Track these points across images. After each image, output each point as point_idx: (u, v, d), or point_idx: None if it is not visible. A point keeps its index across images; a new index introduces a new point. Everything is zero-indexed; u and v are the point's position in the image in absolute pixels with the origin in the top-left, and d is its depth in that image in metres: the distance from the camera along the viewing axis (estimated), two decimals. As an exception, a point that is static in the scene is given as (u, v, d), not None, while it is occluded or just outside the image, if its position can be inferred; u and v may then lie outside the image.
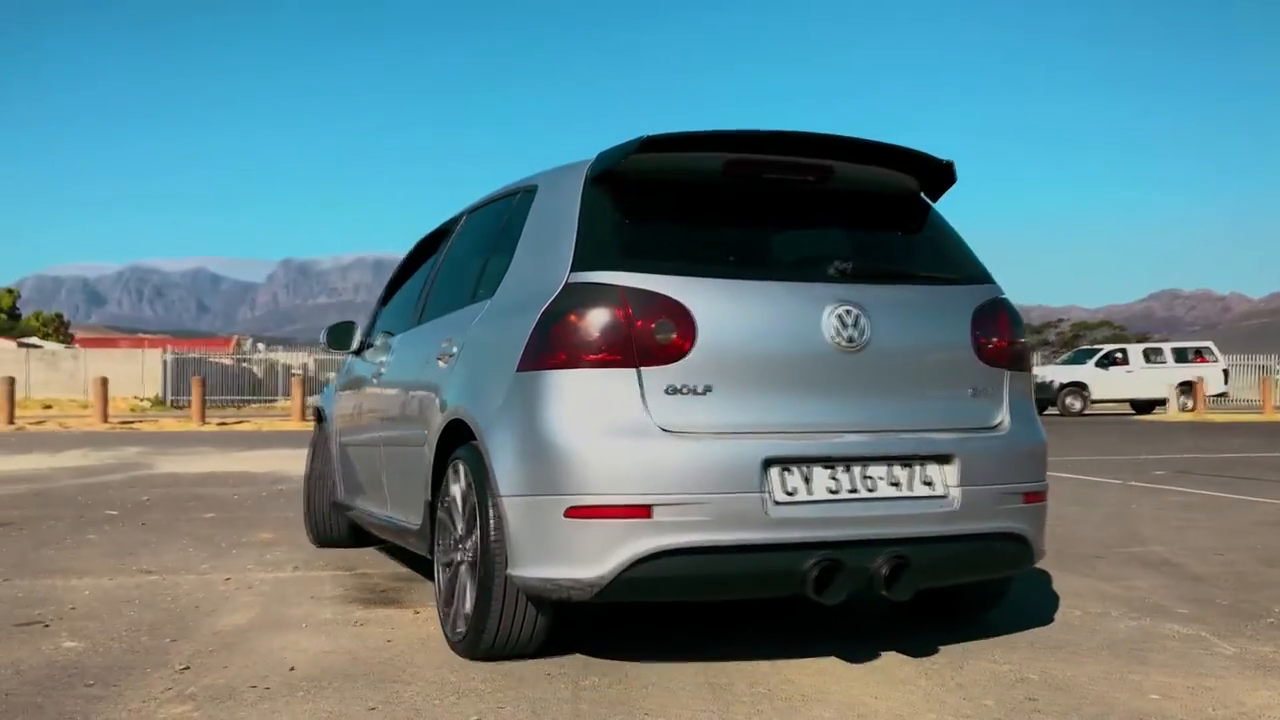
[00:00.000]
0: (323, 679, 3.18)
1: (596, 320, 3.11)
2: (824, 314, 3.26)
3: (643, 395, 3.09)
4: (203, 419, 22.21)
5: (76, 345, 61.76)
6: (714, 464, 3.06)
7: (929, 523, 3.27)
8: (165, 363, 37.86)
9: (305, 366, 39.93)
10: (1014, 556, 3.51)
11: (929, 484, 3.30)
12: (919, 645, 3.58)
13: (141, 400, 36.69)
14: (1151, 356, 28.25)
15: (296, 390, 23.32)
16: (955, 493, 3.31)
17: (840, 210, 3.78)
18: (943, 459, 3.33)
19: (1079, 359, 29.59)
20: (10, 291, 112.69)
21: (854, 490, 3.20)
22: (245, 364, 41.44)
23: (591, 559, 3.03)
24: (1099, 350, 29.66)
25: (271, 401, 37.70)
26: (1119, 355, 28.39)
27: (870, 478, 3.24)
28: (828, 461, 3.20)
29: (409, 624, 3.92)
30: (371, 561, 5.28)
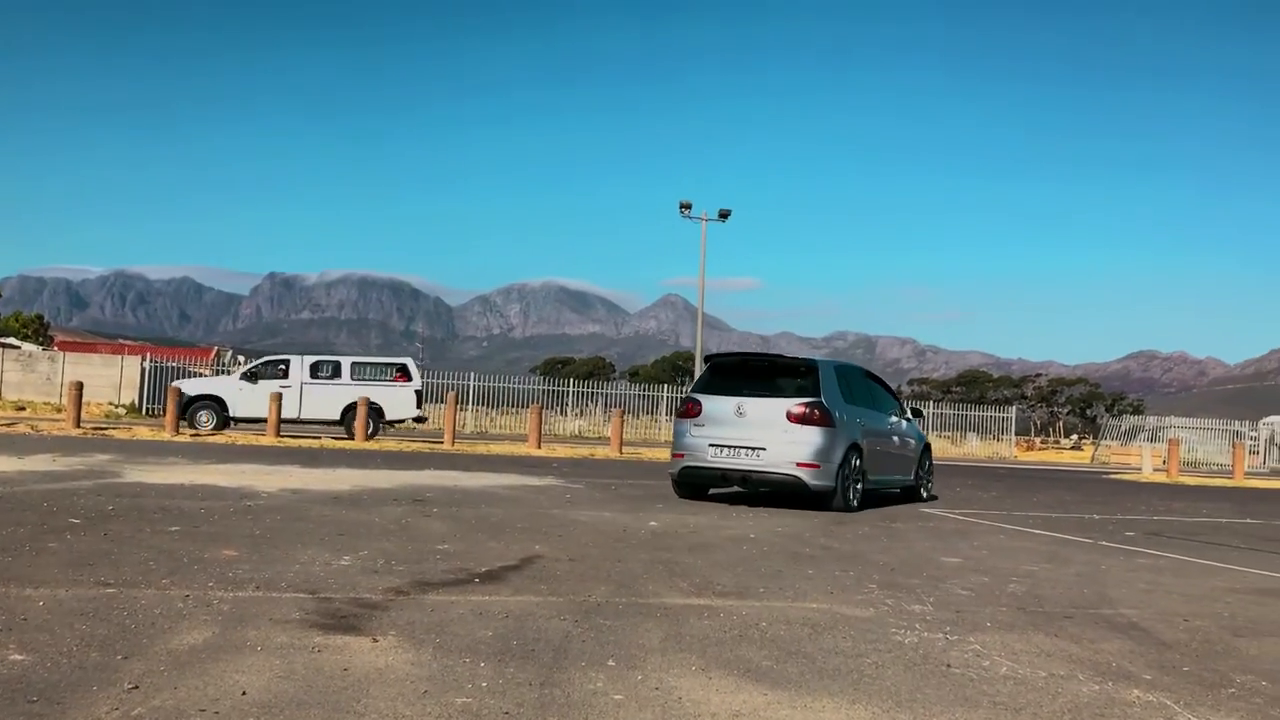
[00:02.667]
0: (275, 705, 3.12)
1: (687, 405, 12.47)
2: (736, 402, 11.85)
3: (691, 425, 12.17)
4: (176, 429, 22.00)
5: (55, 348, 61.24)
6: (696, 444, 12.04)
7: (756, 467, 11.54)
8: (144, 370, 37.61)
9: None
10: (797, 485, 11.36)
11: (759, 457, 11.48)
12: (877, 699, 3.55)
13: (117, 407, 36.37)
14: (320, 371, 24.72)
15: (272, 405, 22.90)
16: (767, 459, 11.45)
17: (776, 371, 12.47)
18: (761, 450, 11.48)
19: (226, 371, 26.58)
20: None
21: (733, 456, 11.65)
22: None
23: (679, 464, 12.35)
24: (250, 363, 26.52)
25: (247, 415, 37.33)
26: (281, 368, 24.76)
27: (738, 453, 11.62)
28: (727, 446, 11.70)
29: (367, 652, 3.85)
30: (335, 585, 5.21)
